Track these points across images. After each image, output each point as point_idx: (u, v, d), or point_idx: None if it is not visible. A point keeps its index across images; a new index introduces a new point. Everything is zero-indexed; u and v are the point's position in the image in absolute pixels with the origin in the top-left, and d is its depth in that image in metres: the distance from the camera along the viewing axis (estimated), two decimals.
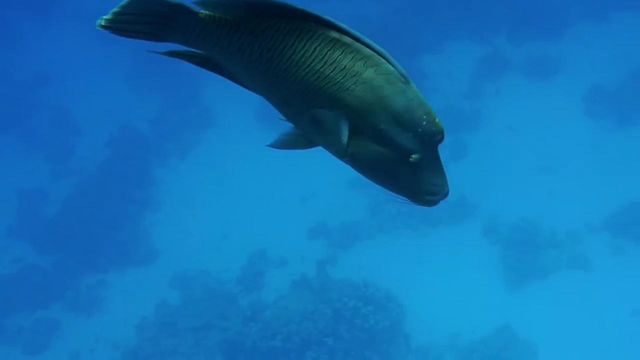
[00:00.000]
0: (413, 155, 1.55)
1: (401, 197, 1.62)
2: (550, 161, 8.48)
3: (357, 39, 1.55)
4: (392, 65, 1.55)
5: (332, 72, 1.56)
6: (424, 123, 1.54)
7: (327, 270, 7.55)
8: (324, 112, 1.57)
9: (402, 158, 1.56)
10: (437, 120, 1.55)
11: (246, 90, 1.69)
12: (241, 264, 8.13)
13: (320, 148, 1.65)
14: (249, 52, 1.59)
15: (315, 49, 1.55)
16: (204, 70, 1.69)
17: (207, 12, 1.59)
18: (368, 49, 1.55)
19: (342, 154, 1.59)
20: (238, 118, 9.98)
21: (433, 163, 1.58)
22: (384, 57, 1.55)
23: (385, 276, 7.31)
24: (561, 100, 9.11)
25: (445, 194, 1.61)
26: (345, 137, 1.57)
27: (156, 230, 9.06)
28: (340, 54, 1.55)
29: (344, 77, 1.55)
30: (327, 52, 1.55)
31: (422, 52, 9.92)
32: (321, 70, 1.56)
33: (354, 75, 1.55)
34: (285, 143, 1.66)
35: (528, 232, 7.53)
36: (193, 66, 1.73)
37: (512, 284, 7.29)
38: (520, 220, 7.63)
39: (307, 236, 8.42)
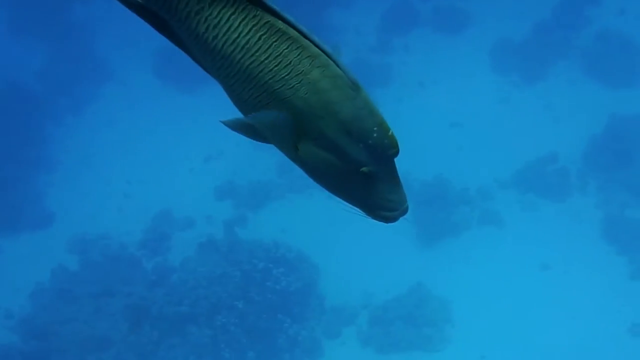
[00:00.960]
0: (364, 168, 1.47)
1: (357, 209, 1.53)
2: (459, 117, 8.50)
3: (305, 35, 1.47)
4: (341, 69, 1.46)
5: (276, 66, 1.47)
6: (375, 135, 1.45)
7: (236, 231, 7.37)
8: (266, 113, 1.48)
9: (353, 169, 1.47)
10: (390, 132, 1.45)
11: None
12: (144, 226, 7.87)
13: None
14: (195, 24, 1.52)
15: (260, 37, 1.48)
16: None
17: None
18: (316, 47, 1.47)
19: (291, 157, 1.52)
20: (137, 72, 9.60)
21: (388, 177, 1.49)
22: (332, 59, 1.46)
23: (296, 237, 7.19)
24: (470, 55, 9.12)
25: (404, 211, 1.52)
26: (288, 142, 1.49)
27: (51, 191, 8.69)
28: (286, 48, 1.47)
29: (288, 73, 1.47)
30: (272, 44, 1.47)
31: (330, 5, 9.75)
32: (266, 62, 1.48)
33: (299, 74, 1.46)
34: (240, 127, 1.55)
35: (440, 189, 7.53)
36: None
37: (425, 242, 7.30)
38: (432, 178, 7.62)
39: (213, 196, 8.22)
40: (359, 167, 1.47)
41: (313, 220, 7.42)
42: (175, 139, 8.90)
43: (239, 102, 1.55)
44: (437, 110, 8.57)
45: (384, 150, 1.46)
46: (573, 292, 6.69)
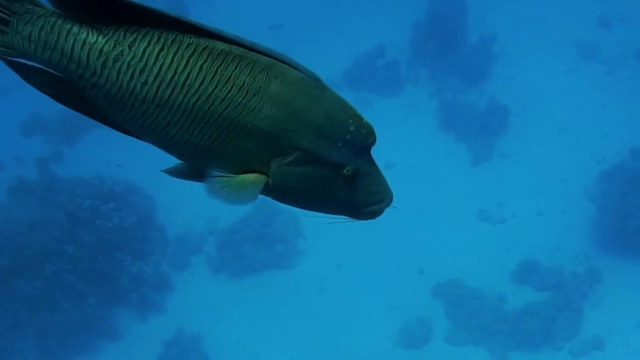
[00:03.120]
0: (346, 168, 1.40)
1: (339, 217, 1.46)
2: (279, 18, 8.24)
3: (250, 48, 1.36)
4: (299, 70, 1.37)
5: (228, 92, 1.35)
6: (352, 128, 1.38)
7: (52, 169, 6.81)
8: (218, 177, 1.38)
9: (334, 174, 1.40)
10: (365, 121, 1.39)
11: None
12: None
13: None
14: (115, 74, 1.35)
15: (201, 66, 1.34)
16: None
17: (54, 9, 1.37)
18: (266, 57, 1.36)
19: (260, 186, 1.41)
20: None
21: (369, 169, 1.43)
22: (286, 63, 1.36)
23: (124, 168, 6.73)
24: None
25: (390, 199, 1.46)
26: (255, 194, 1.39)
27: None
28: (235, 69, 1.35)
29: (244, 96, 1.35)
30: (217, 70, 1.35)
31: None
32: (216, 92, 1.35)
33: (257, 92, 1.35)
34: (186, 174, 1.45)
35: None
36: None
37: None
38: None
39: (19, 133, 7.56)
40: (341, 169, 1.40)
41: (139, 149, 6.96)
42: None
43: (187, 150, 1.40)
44: (253, 12, 8.25)
45: (363, 141, 1.40)
46: (419, 187, 6.74)
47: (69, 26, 1.36)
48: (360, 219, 1.46)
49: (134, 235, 6.54)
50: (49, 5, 1.37)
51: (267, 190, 1.41)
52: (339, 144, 1.38)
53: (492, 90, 7.28)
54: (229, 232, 6.57)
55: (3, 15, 1.38)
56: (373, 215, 1.45)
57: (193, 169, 1.44)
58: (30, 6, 1.38)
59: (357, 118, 1.39)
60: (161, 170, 1.44)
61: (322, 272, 6.33)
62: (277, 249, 6.48)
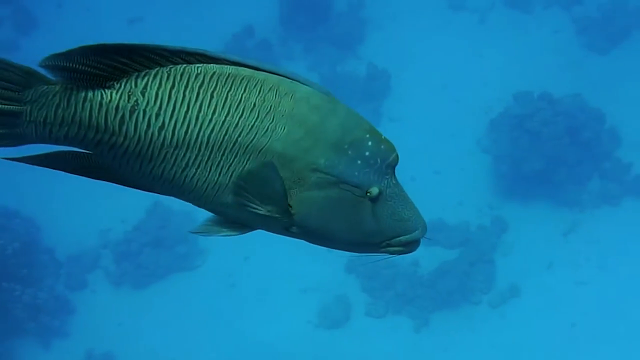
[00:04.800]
0: (371, 188, 1.36)
1: (374, 254, 1.42)
2: (137, 11, 8.01)
3: (257, 68, 1.37)
4: (309, 85, 1.38)
5: (240, 117, 1.36)
6: (370, 144, 1.36)
7: None
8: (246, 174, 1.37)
9: (358, 197, 1.36)
10: (383, 137, 1.37)
11: None
12: None
13: None
14: (133, 129, 1.37)
15: (212, 95, 1.36)
16: None
17: (62, 80, 1.40)
18: (274, 75, 1.37)
19: (284, 223, 1.39)
20: None
21: (395, 192, 1.38)
22: (294, 79, 1.38)
23: None
24: None
25: (424, 228, 1.40)
26: (281, 195, 1.36)
27: None
28: (244, 92, 1.36)
29: (256, 118, 1.36)
30: (227, 95, 1.36)
31: None
32: (228, 119, 1.36)
33: (269, 112, 1.35)
34: (211, 230, 1.48)
35: None
36: None
37: None
38: None
39: None
40: (364, 190, 1.36)
41: (13, 169, 6.64)
42: None
43: (209, 191, 1.41)
44: (108, 8, 7.99)
45: (384, 159, 1.36)
46: None
47: (83, 94, 1.38)
48: (396, 253, 1.40)
49: (19, 262, 6.23)
50: (59, 78, 1.39)
51: (292, 224, 1.38)
52: (359, 162, 1.35)
53: (369, 56, 7.32)
54: (123, 242, 6.38)
55: (14, 109, 1.39)
56: (408, 247, 1.40)
57: (225, 220, 1.45)
58: (44, 87, 1.39)
59: (375, 133, 1.37)
60: (190, 232, 1.49)
61: (230, 267, 6.23)
62: (178, 251, 6.34)
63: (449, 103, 6.97)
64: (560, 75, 6.93)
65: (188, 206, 5.35)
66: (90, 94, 1.38)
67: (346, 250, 1.44)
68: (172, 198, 1.51)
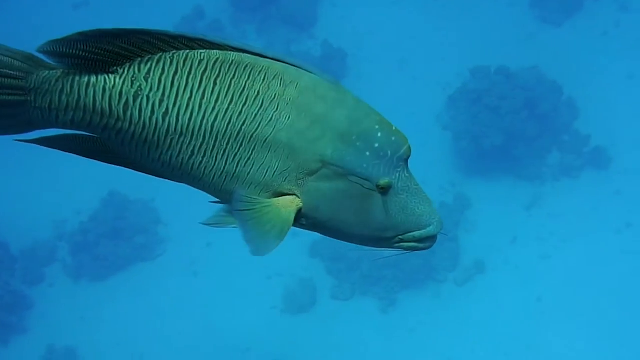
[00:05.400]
0: (381, 181, 1.31)
1: (388, 250, 1.38)
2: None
3: (261, 54, 1.34)
4: (315, 74, 1.34)
5: (244, 105, 1.33)
6: (379, 135, 1.32)
7: None
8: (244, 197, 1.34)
9: (368, 189, 1.32)
10: (394, 128, 1.33)
11: None
12: None
13: None
14: (138, 113, 1.36)
15: (215, 82, 1.33)
16: None
17: (63, 66, 1.39)
18: (279, 63, 1.34)
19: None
20: None
21: (407, 185, 1.34)
22: (301, 68, 1.34)
23: None
24: None
25: (439, 223, 1.36)
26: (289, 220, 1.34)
27: None
28: (248, 79, 1.33)
29: (260, 107, 1.33)
30: (231, 83, 1.33)
31: None
32: (231, 107, 1.33)
33: (273, 100, 1.32)
34: (222, 221, 1.42)
35: None
36: None
37: None
38: None
39: None
40: (374, 182, 1.32)
41: None
42: None
43: (217, 180, 1.37)
44: None
45: (396, 151, 1.32)
46: None
47: (86, 79, 1.37)
48: (410, 249, 1.36)
49: None
50: (59, 64, 1.38)
51: (300, 216, 1.35)
52: (368, 154, 1.31)
53: (324, 35, 7.25)
54: (80, 233, 6.25)
55: (19, 99, 1.38)
56: (422, 243, 1.36)
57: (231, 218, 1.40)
58: (46, 72, 1.38)
59: (385, 124, 1.33)
60: (201, 223, 1.41)
61: (192, 255, 6.16)
62: (137, 241, 6.23)
63: (407, 80, 6.95)
64: (516, 48, 6.94)
65: (145, 195, 5.31)
66: (93, 79, 1.37)
67: (359, 244, 1.40)
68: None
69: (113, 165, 1.44)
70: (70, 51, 1.35)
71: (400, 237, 1.36)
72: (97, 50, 1.35)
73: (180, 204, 6.22)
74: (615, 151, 6.41)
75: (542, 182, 6.38)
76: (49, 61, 1.39)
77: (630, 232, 6.10)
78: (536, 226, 6.20)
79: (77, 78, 1.38)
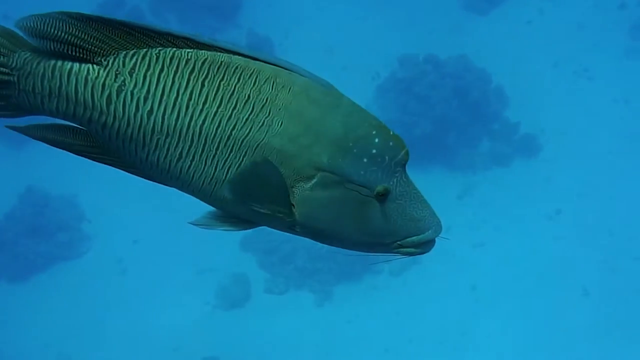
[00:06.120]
0: (378, 187, 1.29)
1: (385, 254, 1.36)
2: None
3: (252, 57, 1.30)
4: (307, 77, 1.30)
5: (234, 109, 1.29)
6: (377, 140, 1.28)
7: None
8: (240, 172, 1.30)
9: (366, 196, 1.29)
10: (391, 133, 1.30)
11: None
12: None
13: None
14: (122, 107, 1.31)
15: (203, 83, 1.29)
16: None
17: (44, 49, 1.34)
18: (270, 66, 1.29)
19: (288, 223, 1.32)
20: None
21: (405, 190, 1.31)
22: (294, 71, 1.30)
23: None
24: None
25: (438, 227, 1.33)
26: (283, 192, 1.29)
27: None
28: (238, 82, 1.29)
29: (251, 111, 1.28)
30: (220, 85, 1.29)
31: None
32: (220, 111, 1.29)
33: (264, 105, 1.28)
34: (212, 223, 1.38)
35: None
36: None
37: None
38: None
39: None
40: (371, 189, 1.29)
41: None
42: None
43: (207, 186, 1.33)
44: None
45: (393, 156, 1.29)
46: None
47: (68, 66, 1.33)
48: (409, 254, 1.33)
49: None
50: (43, 46, 1.32)
51: (296, 223, 1.31)
52: (365, 160, 1.29)
53: (249, 23, 7.15)
54: None
55: (4, 77, 1.34)
56: (421, 248, 1.32)
57: (224, 214, 1.37)
58: (28, 54, 1.34)
59: (382, 129, 1.30)
60: (189, 222, 1.36)
61: (119, 253, 5.97)
62: (59, 239, 6.01)
63: (335, 70, 6.87)
64: (444, 37, 6.97)
65: (65, 190, 5.10)
66: (75, 67, 1.33)
67: (355, 250, 1.37)
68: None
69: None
70: (53, 32, 1.31)
71: (398, 242, 1.33)
72: (80, 35, 1.31)
73: (105, 200, 6.04)
74: (544, 139, 6.49)
75: (474, 171, 6.42)
76: (29, 40, 1.34)
77: (561, 218, 6.18)
78: (469, 215, 6.22)
79: (59, 63, 1.34)
